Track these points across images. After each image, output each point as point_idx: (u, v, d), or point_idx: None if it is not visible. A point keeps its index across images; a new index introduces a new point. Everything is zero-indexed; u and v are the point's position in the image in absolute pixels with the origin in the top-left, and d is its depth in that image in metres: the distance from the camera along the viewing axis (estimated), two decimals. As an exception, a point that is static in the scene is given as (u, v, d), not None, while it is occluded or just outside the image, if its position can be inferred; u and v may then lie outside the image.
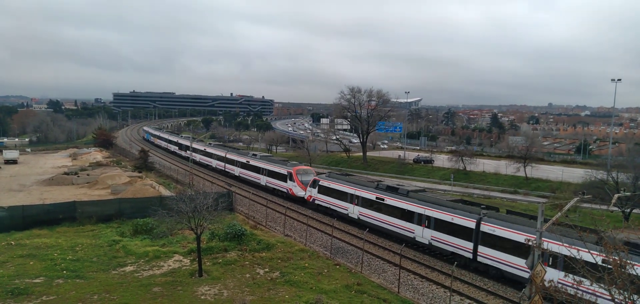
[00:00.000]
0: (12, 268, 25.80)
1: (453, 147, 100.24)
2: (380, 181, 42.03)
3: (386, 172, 77.11)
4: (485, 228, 28.75)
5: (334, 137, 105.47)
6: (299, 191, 47.93)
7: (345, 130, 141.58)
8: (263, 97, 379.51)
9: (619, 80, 67.74)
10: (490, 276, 28.60)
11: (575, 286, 13.33)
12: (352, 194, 40.09)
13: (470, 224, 29.71)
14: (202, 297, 22.45)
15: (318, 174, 50.17)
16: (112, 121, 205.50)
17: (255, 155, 61.55)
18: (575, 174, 63.53)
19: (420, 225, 33.26)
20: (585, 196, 31.17)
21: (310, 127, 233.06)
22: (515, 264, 26.80)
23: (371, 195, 38.02)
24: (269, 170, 54.25)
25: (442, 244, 31.56)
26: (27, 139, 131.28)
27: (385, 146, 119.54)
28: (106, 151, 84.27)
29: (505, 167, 69.95)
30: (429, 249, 32.79)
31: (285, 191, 50.18)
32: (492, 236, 28.22)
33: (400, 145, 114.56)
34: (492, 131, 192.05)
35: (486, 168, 73.79)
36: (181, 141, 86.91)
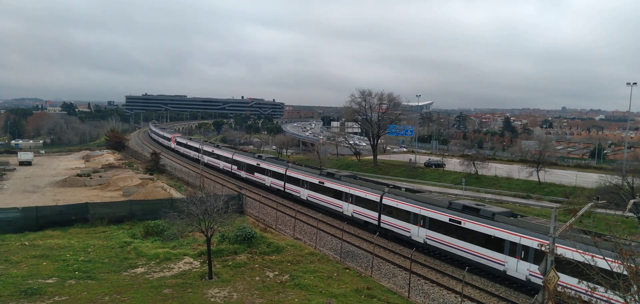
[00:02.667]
0: (26, 268, 26.10)
1: (464, 151, 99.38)
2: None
3: (396, 175, 76.70)
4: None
5: (345, 141, 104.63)
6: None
7: (355, 133, 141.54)
8: (273, 100, 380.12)
9: (635, 83, 66.71)
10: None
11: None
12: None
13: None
14: (212, 299, 22.49)
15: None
16: (125, 124, 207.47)
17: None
18: (589, 179, 62.63)
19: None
20: (600, 202, 30.63)
21: (320, 130, 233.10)
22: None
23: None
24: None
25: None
26: (41, 141, 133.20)
27: (404, 149, 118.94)
28: (118, 153, 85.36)
29: (518, 171, 69.18)
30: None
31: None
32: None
33: (412, 149, 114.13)
34: (505, 134, 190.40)
35: (498, 172, 73.08)
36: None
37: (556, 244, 19.70)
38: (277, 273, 26.77)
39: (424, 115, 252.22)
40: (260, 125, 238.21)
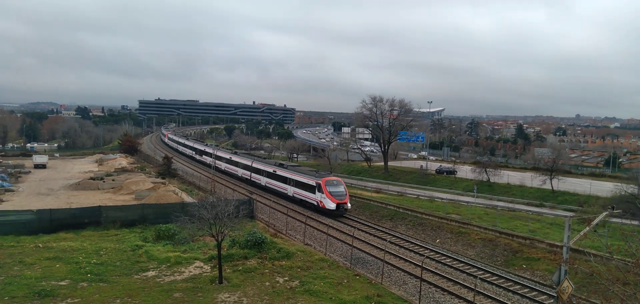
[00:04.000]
0: (39, 270, 26.44)
1: (476, 158, 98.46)
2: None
3: (407, 182, 76.33)
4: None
5: (356, 146, 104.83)
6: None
7: (366, 139, 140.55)
8: (285, 105, 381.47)
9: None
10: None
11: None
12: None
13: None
14: (222, 304, 22.54)
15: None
16: (137, 128, 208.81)
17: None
18: (604, 188, 61.70)
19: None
20: (615, 211, 30.15)
21: (331, 136, 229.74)
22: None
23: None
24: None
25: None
26: (56, 145, 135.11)
27: (414, 156, 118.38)
28: (131, 157, 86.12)
29: (531, 179, 68.41)
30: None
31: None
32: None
33: (423, 155, 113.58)
34: (517, 142, 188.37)
35: (511, 180, 72.34)
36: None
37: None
38: (286, 278, 26.75)
39: (436, 122, 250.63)
40: (271, 130, 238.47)
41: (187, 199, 48.53)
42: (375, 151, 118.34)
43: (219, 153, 79.44)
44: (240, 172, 68.39)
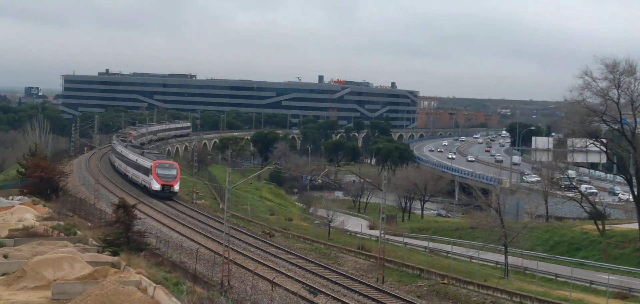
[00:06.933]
0: None
1: None
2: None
3: None
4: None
5: (570, 182, 50.99)
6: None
7: (592, 166, 76.44)
8: (393, 85, 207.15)
9: None
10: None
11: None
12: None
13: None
14: None
15: None
16: (61, 137, 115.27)
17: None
18: None
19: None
20: None
21: (503, 154, 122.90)
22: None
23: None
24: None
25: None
26: None
27: None
28: (46, 204, 44.41)
29: None
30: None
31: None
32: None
33: None
34: None
35: None
36: None
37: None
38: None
39: None
40: (359, 138, 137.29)
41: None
42: (619, 194, 67.20)
43: None
44: None
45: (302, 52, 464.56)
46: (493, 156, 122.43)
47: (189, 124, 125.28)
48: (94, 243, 36.71)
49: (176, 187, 51.69)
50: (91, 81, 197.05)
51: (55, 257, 32.15)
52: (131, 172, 60.38)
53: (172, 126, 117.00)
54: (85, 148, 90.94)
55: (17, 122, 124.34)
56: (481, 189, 49.27)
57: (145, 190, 52.95)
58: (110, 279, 27.47)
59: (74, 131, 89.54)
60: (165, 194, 50.32)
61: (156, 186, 50.23)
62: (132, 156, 60.31)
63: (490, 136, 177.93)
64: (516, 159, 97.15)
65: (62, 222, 41.45)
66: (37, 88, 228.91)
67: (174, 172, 52.20)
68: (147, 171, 52.84)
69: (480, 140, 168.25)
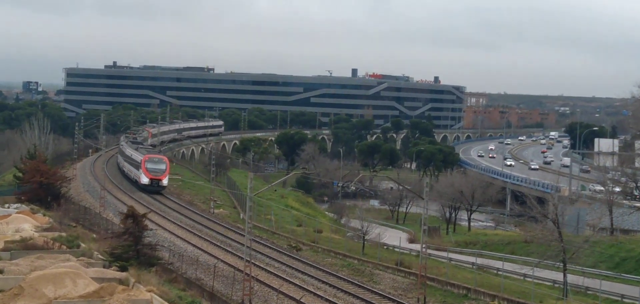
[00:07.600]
0: None
1: None
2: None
3: None
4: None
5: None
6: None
7: None
8: (436, 80, 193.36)
9: None
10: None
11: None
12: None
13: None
14: None
15: None
16: (61, 138, 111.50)
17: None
18: None
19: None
20: None
21: (561, 156, 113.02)
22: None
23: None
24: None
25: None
26: None
27: None
28: (47, 213, 42.01)
29: None
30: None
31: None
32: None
33: None
34: None
35: None
36: None
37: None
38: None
39: None
40: (397, 140, 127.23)
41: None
42: None
43: None
44: None
45: (333, 43, 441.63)
46: (548, 163, 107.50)
47: (221, 123, 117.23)
48: (100, 256, 36.37)
49: (165, 182, 53.45)
50: (96, 74, 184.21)
51: (56, 272, 30.99)
52: (127, 168, 62.24)
53: (202, 124, 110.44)
54: (90, 150, 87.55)
55: (14, 121, 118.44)
56: (536, 198, 44.79)
57: (136, 184, 55.00)
58: (117, 297, 27.24)
59: (77, 130, 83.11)
60: (154, 188, 51.97)
61: (144, 180, 52.19)
62: (129, 152, 62.18)
63: (549, 137, 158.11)
64: (574, 165, 79.05)
65: (64, 234, 40.00)
66: (37, 83, 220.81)
67: (162, 166, 53.95)
68: (137, 166, 54.89)
69: (542, 141, 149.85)
